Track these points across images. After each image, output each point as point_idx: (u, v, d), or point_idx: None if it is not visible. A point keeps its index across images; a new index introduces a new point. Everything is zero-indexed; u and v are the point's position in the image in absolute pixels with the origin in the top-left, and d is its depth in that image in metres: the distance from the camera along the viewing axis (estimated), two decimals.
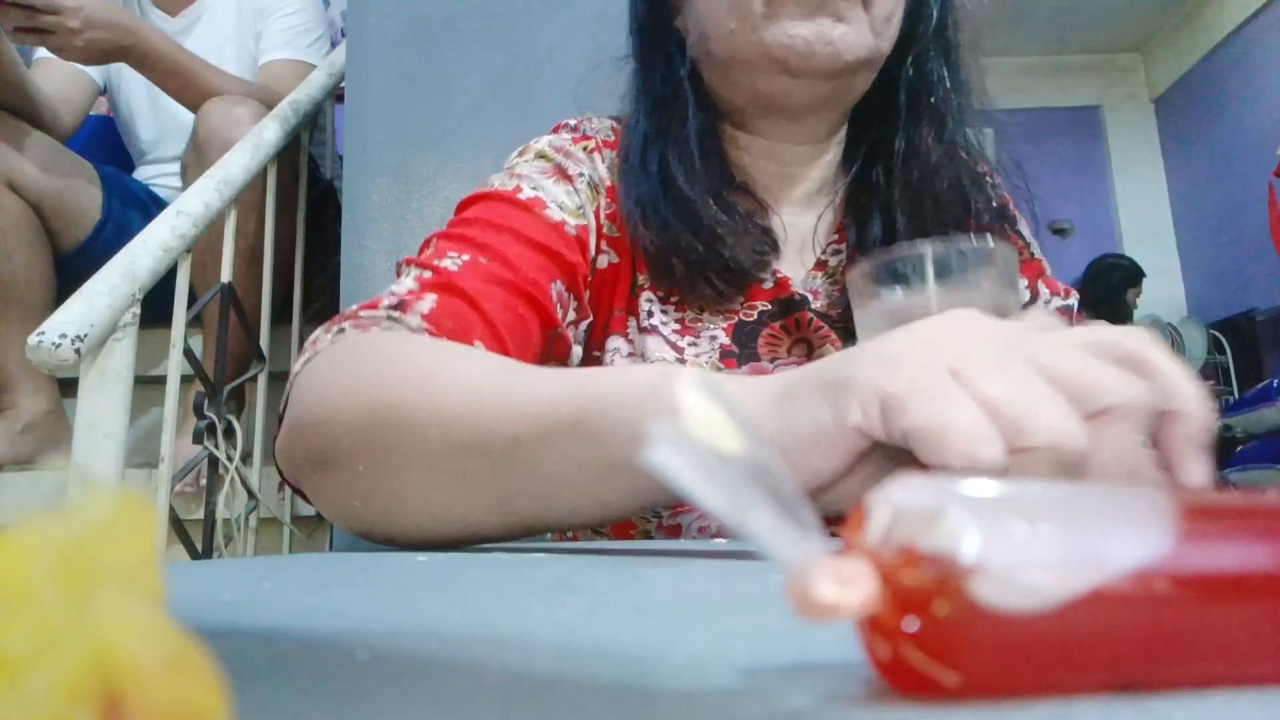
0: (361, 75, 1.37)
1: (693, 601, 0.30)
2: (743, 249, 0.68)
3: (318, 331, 0.57)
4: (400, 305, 0.58)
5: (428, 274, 0.61)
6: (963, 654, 0.16)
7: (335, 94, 1.71)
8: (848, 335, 0.71)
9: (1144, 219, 4.54)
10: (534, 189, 0.68)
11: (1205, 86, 4.17)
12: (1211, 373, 3.99)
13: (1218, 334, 4.00)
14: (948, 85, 0.72)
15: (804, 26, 0.62)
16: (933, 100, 0.71)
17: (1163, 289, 4.09)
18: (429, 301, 0.58)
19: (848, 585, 0.16)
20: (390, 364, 0.50)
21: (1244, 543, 0.18)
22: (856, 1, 0.63)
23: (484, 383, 0.47)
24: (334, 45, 1.85)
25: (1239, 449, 2.99)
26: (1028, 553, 0.17)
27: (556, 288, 0.66)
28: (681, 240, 0.67)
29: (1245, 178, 3.81)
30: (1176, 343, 3.98)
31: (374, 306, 0.58)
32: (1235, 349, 3.93)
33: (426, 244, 0.66)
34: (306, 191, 1.70)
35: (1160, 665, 0.17)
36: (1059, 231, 4.51)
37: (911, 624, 0.16)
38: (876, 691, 0.17)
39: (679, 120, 0.70)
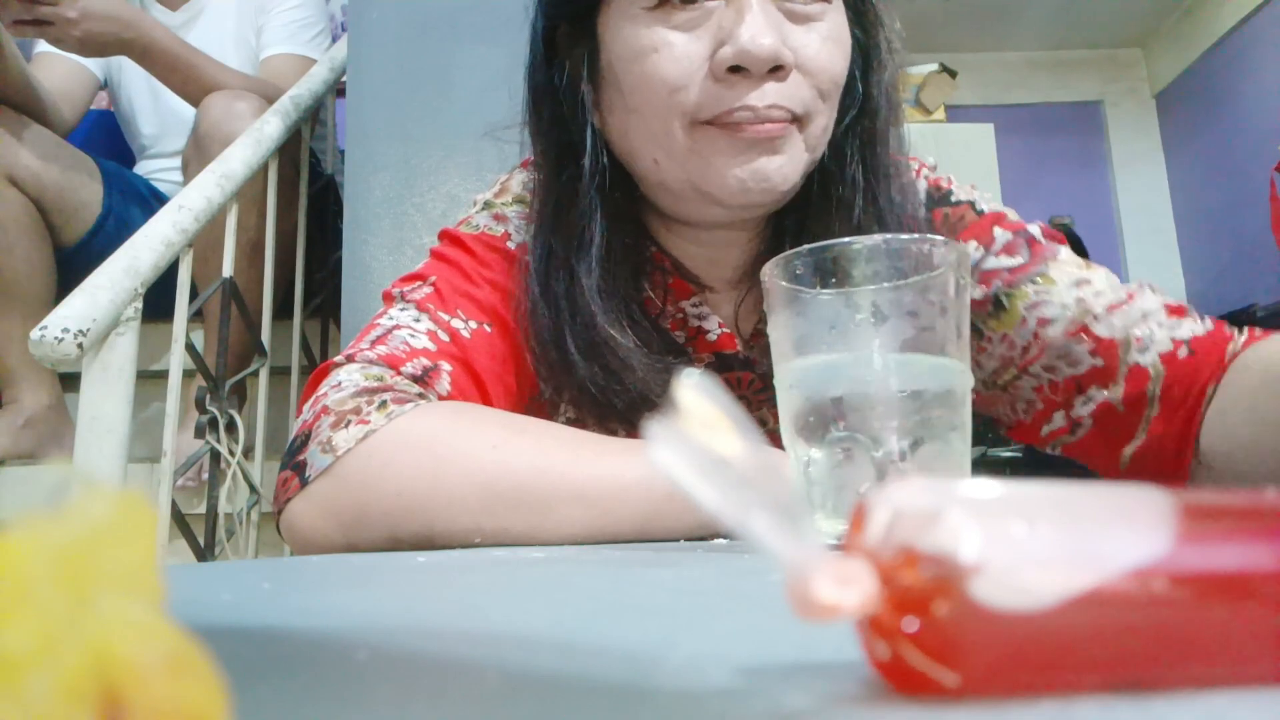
0: (363, 70, 1.37)
1: (693, 601, 0.30)
2: (654, 378, 0.63)
3: (358, 400, 0.55)
4: (424, 380, 0.59)
5: (445, 336, 0.62)
6: (962, 654, 0.16)
7: (336, 89, 1.71)
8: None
9: (1145, 214, 4.52)
10: (518, 232, 0.70)
11: (1207, 82, 4.16)
12: None
13: None
14: (863, 177, 0.65)
15: (735, 165, 0.58)
16: (845, 192, 0.65)
17: (1163, 284, 4.07)
18: (446, 381, 0.60)
19: (847, 585, 0.16)
20: (498, 449, 0.53)
21: (1243, 543, 0.18)
22: (791, 126, 0.58)
23: (609, 471, 0.52)
24: (335, 40, 1.85)
25: None
26: (1027, 553, 0.17)
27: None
28: (583, 373, 0.63)
29: (1247, 173, 3.80)
30: None
31: (395, 365, 0.58)
32: None
33: (423, 276, 0.66)
34: (308, 186, 1.70)
35: (1160, 665, 0.17)
36: (1060, 227, 4.49)
37: (911, 624, 0.16)
38: (876, 691, 0.17)
39: (590, 237, 0.64)
